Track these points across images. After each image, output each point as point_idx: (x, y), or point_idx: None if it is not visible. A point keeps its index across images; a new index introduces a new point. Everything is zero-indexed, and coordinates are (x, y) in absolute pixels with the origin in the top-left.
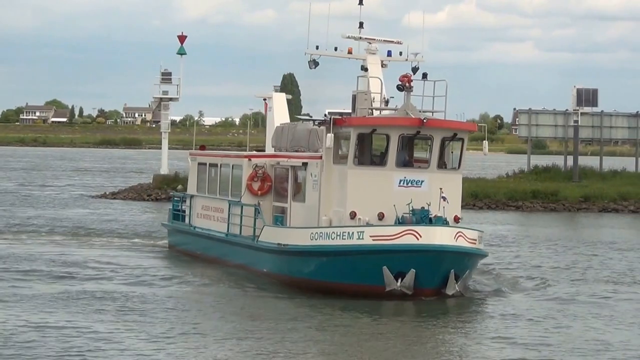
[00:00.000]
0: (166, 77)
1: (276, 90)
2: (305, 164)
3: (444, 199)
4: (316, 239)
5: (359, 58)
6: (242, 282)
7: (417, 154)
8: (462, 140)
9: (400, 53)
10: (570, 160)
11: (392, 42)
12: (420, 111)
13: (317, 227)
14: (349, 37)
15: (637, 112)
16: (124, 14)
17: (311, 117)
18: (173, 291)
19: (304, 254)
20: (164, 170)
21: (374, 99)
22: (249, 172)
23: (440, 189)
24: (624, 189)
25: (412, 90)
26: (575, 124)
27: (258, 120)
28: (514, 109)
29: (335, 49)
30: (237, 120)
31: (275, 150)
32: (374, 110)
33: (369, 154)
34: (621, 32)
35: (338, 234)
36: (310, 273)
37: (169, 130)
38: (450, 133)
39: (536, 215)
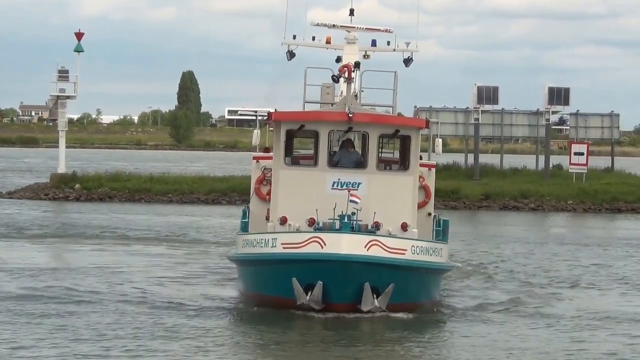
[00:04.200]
0: (63, 74)
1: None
2: None
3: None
4: (244, 247)
5: (339, 48)
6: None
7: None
8: (409, 137)
9: (388, 43)
10: (471, 158)
11: (378, 30)
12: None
13: (248, 234)
14: (318, 25)
15: (538, 109)
16: (21, 10)
17: (256, 112)
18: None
19: (237, 262)
20: (62, 169)
21: (341, 93)
22: (257, 175)
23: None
24: (524, 186)
25: (353, 82)
26: (476, 122)
27: (157, 118)
28: (415, 106)
29: (313, 38)
30: (135, 119)
31: None
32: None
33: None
34: (523, 30)
35: (258, 241)
36: (246, 286)
37: (67, 129)
38: (390, 129)
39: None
